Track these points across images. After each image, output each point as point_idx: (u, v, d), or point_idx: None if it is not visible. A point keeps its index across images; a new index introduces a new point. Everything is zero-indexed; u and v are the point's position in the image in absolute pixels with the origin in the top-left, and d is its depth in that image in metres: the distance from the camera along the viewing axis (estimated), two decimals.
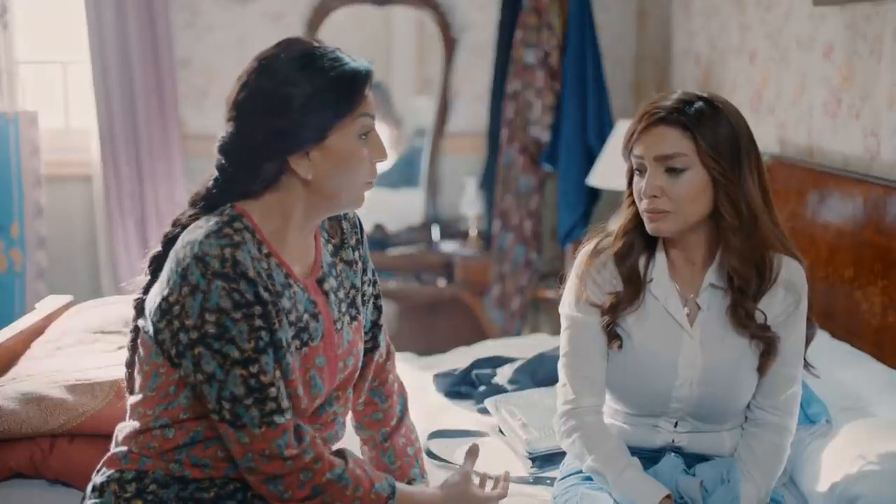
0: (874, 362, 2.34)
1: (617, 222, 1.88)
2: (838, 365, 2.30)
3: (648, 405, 1.84)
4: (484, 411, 2.44)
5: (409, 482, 1.89)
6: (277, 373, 1.53)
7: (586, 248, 1.89)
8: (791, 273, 1.81)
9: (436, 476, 2.07)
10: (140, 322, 1.61)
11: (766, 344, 1.79)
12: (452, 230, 4.37)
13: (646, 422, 1.86)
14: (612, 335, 1.83)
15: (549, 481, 2.07)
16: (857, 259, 2.51)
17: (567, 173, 3.93)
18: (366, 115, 1.58)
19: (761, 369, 1.80)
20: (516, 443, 2.23)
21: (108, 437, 1.71)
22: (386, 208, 4.33)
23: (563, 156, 3.93)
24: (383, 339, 1.87)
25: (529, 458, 2.17)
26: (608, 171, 3.61)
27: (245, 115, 1.55)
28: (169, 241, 1.61)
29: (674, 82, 4.01)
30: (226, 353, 1.49)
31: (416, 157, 4.44)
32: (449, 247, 4.27)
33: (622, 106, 4.26)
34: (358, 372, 1.75)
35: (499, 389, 2.51)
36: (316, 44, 1.59)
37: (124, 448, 1.62)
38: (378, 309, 1.84)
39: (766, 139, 3.08)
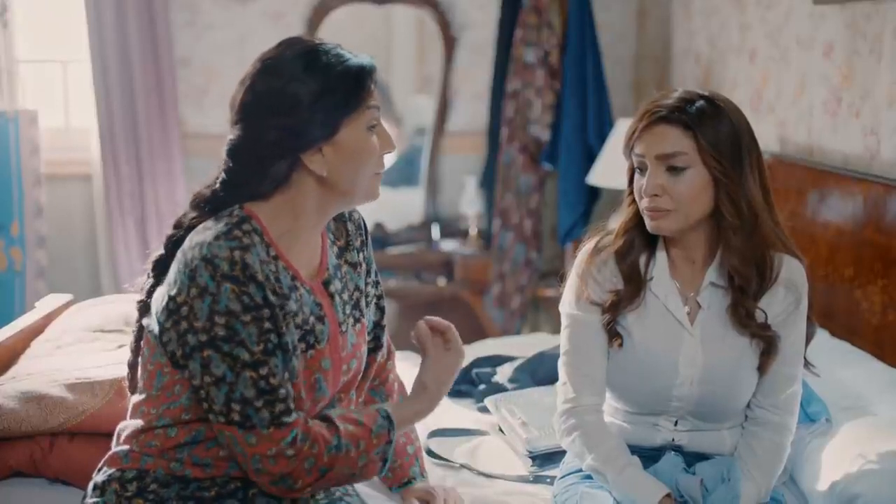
0: (874, 361, 2.34)
1: (617, 221, 1.88)
2: (838, 364, 2.30)
3: (649, 404, 1.84)
4: (484, 410, 2.44)
5: (409, 481, 1.89)
6: (286, 374, 1.53)
7: (587, 247, 1.89)
8: (791, 272, 1.81)
9: (435, 475, 2.07)
10: (145, 321, 1.61)
11: (767, 343, 1.79)
12: (452, 229, 4.37)
13: (646, 420, 1.86)
14: (613, 333, 1.83)
15: (548, 480, 2.07)
16: (858, 258, 2.51)
17: (567, 172, 3.93)
18: (373, 107, 1.60)
19: (762, 368, 1.80)
20: (516, 441, 2.23)
21: (108, 435, 1.71)
22: (386, 207, 4.31)
23: (563, 155, 3.93)
24: (385, 338, 1.87)
25: (529, 457, 2.17)
26: (608, 170, 3.61)
27: (253, 116, 1.55)
28: (172, 244, 1.60)
29: (674, 81, 4.01)
30: (236, 355, 1.49)
31: (416, 156, 4.44)
32: (449, 246, 4.27)
33: (622, 105, 4.26)
34: (361, 374, 1.75)
35: (499, 388, 2.51)
36: (317, 41, 1.60)
37: (125, 447, 1.61)
38: (381, 310, 1.84)
39: (766, 138, 3.08)
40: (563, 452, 1.98)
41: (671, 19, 4.09)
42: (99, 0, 3.91)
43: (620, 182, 1.93)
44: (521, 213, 4.09)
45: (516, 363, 2.63)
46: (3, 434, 1.93)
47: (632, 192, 1.82)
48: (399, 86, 4.51)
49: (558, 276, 1.99)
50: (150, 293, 1.61)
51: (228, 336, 1.48)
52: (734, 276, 1.78)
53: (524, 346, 2.93)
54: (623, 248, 1.84)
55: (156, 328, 1.55)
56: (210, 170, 1.65)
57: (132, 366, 1.66)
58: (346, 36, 4.15)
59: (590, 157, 3.85)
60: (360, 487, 1.84)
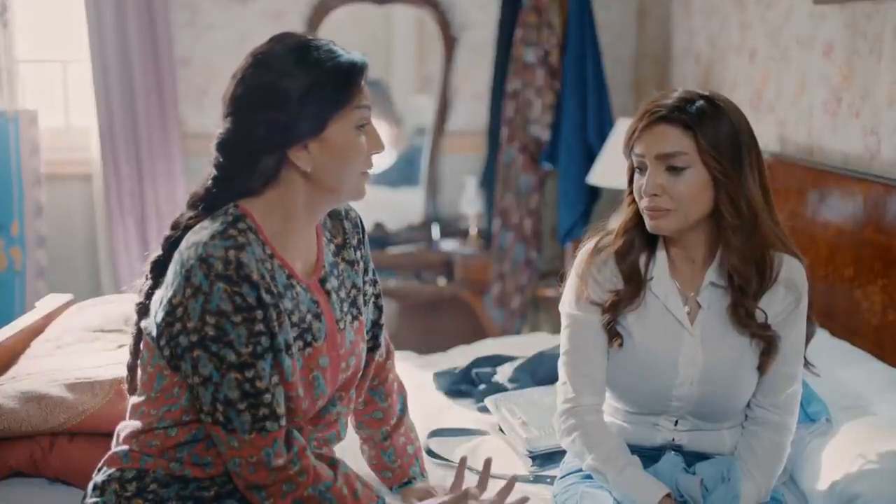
0: (874, 361, 2.34)
1: (617, 221, 1.88)
2: (838, 364, 2.30)
3: (649, 403, 1.84)
4: (484, 410, 2.44)
5: (410, 481, 1.89)
6: (274, 379, 1.53)
7: (587, 247, 1.89)
8: (791, 272, 1.81)
9: (435, 475, 2.07)
10: (143, 324, 1.61)
11: (767, 343, 1.79)
12: (452, 229, 4.37)
13: (646, 420, 1.86)
14: (613, 333, 1.83)
15: (549, 480, 2.07)
16: (858, 258, 2.51)
17: (567, 172, 3.92)
18: (363, 107, 1.58)
19: (762, 368, 1.80)
20: (516, 441, 2.23)
21: (108, 435, 1.71)
22: (386, 207, 4.33)
23: (563, 154, 3.93)
24: (383, 338, 1.87)
25: (529, 457, 2.17)
26: (608, 170, 3.61)
27: (242, 110, 1.55)
28: (170, 245, 1.60)
29: (674, 81, 4.02)
30: (223, 356, 1.49)
31: (416, 156, 4.44)
32: (449, 245, 4.27)
33: (622, 105, 4.26)
34: (360, 372, 1.75)
35: (499, 388, 2.51)
36: (309, 37, 1.59)
37: (125, 447, 1.62)
38: (379, 308, 1.84)
39: (766, 138, 3.08)
40: (563, 452, 1.98)
41: (671, 19, 4.09)
42: (99, 0, 3.91)
43: (620, 182, 1.93)
44: (521, 213, 4.09)
45: (516, 363, 2.63)
46: (4, 434, 1.93)
47: (632, 192, 1.82)
48: (399, 86, 4.50)
49: (558, 276, 1.99)
50: (148, 295, 1.61)
51: (217, 336, 1.48)
52: (734, 276, 1.78)
53: (524, 346, 2.93)
54: (623, 248, 1.84)
55: (154, 331, 1.55)
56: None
57: (131, 368, 1.66)
58: (346, 36, 4.15)
59: (590, 156, 3.85)
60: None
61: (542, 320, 4.29)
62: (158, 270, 1.60)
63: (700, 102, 1.73)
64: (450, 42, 4.29)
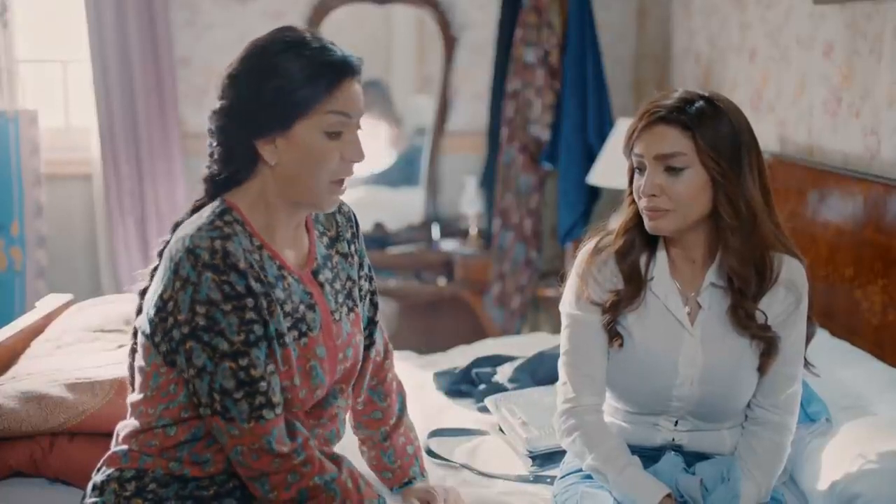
0: (874, 361, 2.34)
1: (617, 221, 1.88)
2: (838, 364, 2.30)
3: (649, 403, 1.84)
4: (484, 410, 2.44)
5: (410, 481, 1.89)
6: (270, 367, 1.53)
7: (587, 247, 1.89)
8: (791, 272, 1.80)
9: (435, 475, 2.07)
10: (137, 322, 1.62)
11: (767, 343, 1.79)
12: (452, 229, 4.37)
13: (646, 420, 1.86)
14: (613, 333, 1.83)
15: (549, 480, 2.07)
16: (858, 258, 2.51)
17: (567, 172, 3.92)
18: (338, 114, 1.56)
19: (762, 368, 1.80)
20: (516, 441, 2.23)
21: (108, 435, 1.71)
22: (386, 207, 4.33)
23: (563, 154, 3.93)
24: (380, 336, 1.87)
25: (529, 457, 2.17)
26: (608, 170, 3.61)
27: (223, 97, 1.58)
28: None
29: (674, 81, 4.01)
30: (215, 345, 1.49)
31: (416, 156, 4.44)
32: (449, 245, 4.27)
33: (622, 105, 4.26)
34: (359, 364, 1.75)
35: (499, 388, 2.51)
36: (307, 33, 1.58)
37: (124, 447, 1.62)
38: (374, 305, 1.84)
39: (766, 138, 3.08)
40: (563, 452, 1.98)
41: (671, 19, 4.09)
42: (99, 0, 3.91)
43: (620, 182, 1.93)
44: (521, 213, 4.09)
45: (516, 363, 2.63)
46: (4, 434, 1.93)
47: (632, 192, 1.82)
48: (399, 85, 4.50)
49: (558, 276, 1.99)
50: (143, 294, 1.63)
51: (208, 326, 1.49)
52: (733, 278, 1.78)
53: (524, 345, 2.93)
54: (623, 248, 1.84)
55: (147, 328, 1.56)
56: None
57: (132, 367, 1.67)
58: (346, 35, 4.16)
59: (590, 156, 3.85)
60: None
61: (542, 320, 4.29)
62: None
63: (700, 103, 1.73)
64: (450, 42, 4.29)
